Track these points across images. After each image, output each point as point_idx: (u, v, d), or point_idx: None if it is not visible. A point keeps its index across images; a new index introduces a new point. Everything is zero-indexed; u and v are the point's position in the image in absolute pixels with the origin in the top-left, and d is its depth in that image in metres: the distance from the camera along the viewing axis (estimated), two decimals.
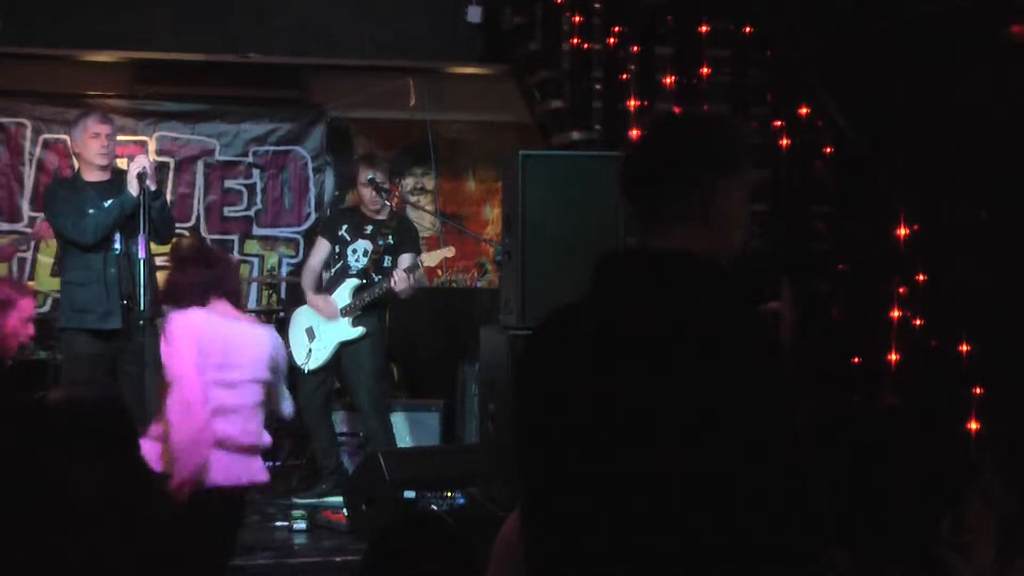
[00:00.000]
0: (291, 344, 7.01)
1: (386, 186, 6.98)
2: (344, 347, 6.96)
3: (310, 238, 9.00)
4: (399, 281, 6.76)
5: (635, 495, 1.98)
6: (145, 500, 3.50)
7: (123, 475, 3.49)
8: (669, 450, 1.96)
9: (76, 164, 6.54)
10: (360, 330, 6.89)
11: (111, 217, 6.07)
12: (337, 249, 7.00)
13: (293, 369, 6.70)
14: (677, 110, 5.88)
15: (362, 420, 7.15)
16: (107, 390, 3.75)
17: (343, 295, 6.93)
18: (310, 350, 6.99)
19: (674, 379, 1.98)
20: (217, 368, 4.62)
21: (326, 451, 7.01)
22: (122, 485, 3.40)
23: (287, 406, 5.02)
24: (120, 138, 7.17)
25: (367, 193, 6.96)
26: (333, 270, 7.02)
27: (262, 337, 4.82)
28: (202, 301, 4.70)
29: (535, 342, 2.23)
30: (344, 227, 7.01)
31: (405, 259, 6.92)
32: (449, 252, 7.18)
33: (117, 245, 6.08)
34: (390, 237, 6.92)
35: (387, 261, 6.93)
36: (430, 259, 7.06)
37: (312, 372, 6.96)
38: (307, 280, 7.11)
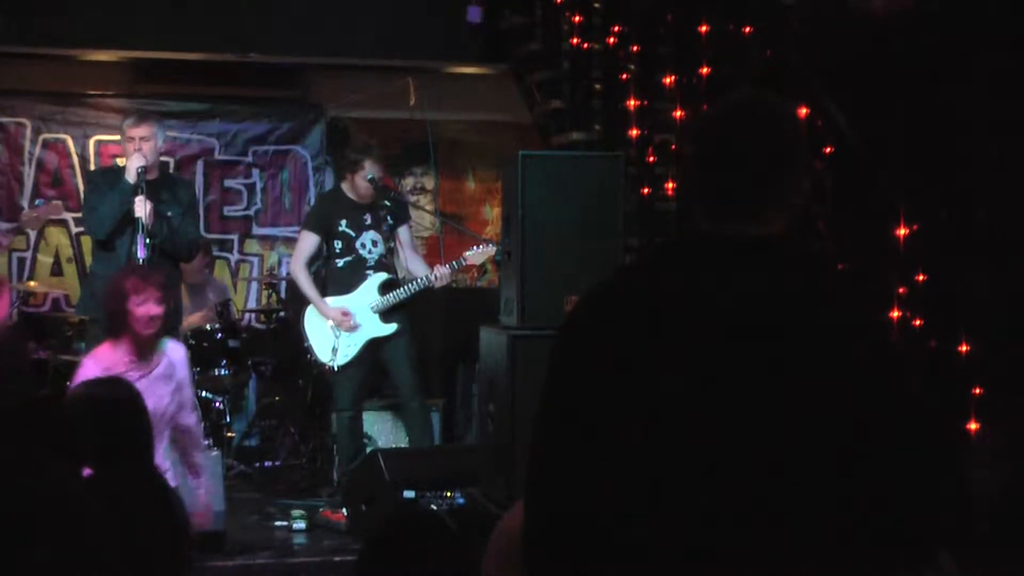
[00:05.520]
0: (311, 343, 6.96)
1: (381, 184, 6.94)
2: (381, 343, 6.88)
3: None
4: (440, 277, 6.77)
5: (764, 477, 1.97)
6: (152, 500, 3.50)
7: (133, 475, 3.50)
8: (807, 424, 1.96)
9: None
10: (393, 326, 6.83)
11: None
12: (339, 244, 6.87)
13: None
14: (680, 112, 5.88)
15: (404, 411, 7.11)
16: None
17: (371, 291, 6.87)
18: (335, 348, 6.87)
19: (811, 362, 1.99)
20: None
21: (346, 457, 6.94)
22: (127, 485, 3.40)
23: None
24: (119, 137, 7.19)
25: (363, 187, 6.84)
26: (343, 262, 6.88)
27: None
28: None
29: (590, 329, 2.12)
30: (343, 222, 6.86)
31: (404, 232, 6.94)
32: (492, 251, 7.04)
33: (143, 251, 5.91)
34: (389, 218, 6.89)
35: (391, 242, 6.95)
36: (475, 257, 7.01)
37: (342, 369, 6.87)
38: (306, 283, 6.91)
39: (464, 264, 7.00)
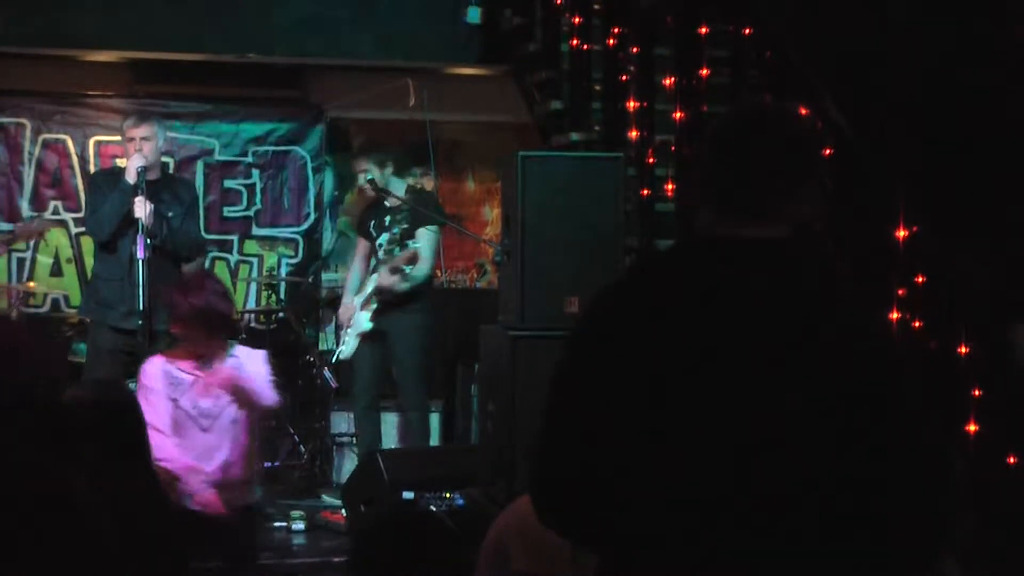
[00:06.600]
0: (342, 336, 7.39)
1: (383, 185, 7.04)
2: (386, 342, 7.05)
3: (309, 238, 9.02)
4: (380, 277, 6.91)
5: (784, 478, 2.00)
6: (148, 501, 3.51)
7: (130, 476, 3.50)
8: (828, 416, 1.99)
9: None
10: (369, 324, 7.02)
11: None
12: (372, 245, 7.20)
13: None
14: (680, 113, 5.88)
15: (405, 416, 7.29)
16: (123, 391, 3.75)
17: (368, 288, 7.08)
18: (344, 340, 7.21)
19: (817, 360, 2.02)
20: None
21: (361, 449, 7.08)
22: (127, 486, 3.40)
23: None
24: (118, 137, 7.21)
25: (366, 191, 7.11)
26: (373, 263, 7.20)
27: None
28: None
29: (596, 331, 2.15)
30: (371, 223, 7.20)
31: (421, 233, 6.99)
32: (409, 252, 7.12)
33: (142, 252, 5.90)
34: (403, 221, 7.00)
35: (411, 244, 7.01)
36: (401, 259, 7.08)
37: (345, 361, 7.18)
38: (347, 282, 7.40)
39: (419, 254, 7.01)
